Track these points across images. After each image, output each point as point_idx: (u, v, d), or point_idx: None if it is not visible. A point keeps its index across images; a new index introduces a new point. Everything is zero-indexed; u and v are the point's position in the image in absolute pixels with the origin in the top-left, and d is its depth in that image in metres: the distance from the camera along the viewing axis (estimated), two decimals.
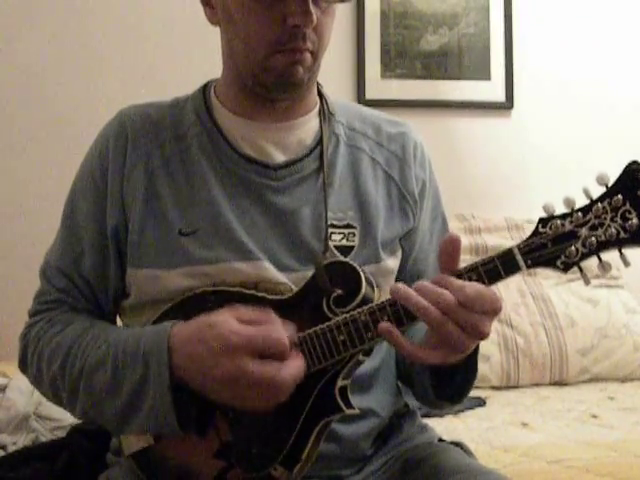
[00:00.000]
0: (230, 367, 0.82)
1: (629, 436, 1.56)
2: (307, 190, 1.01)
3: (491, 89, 2.52)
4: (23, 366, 1.03)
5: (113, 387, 0.90)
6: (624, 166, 0.78)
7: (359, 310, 0.86)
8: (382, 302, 0.85)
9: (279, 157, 1.01)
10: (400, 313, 0.83)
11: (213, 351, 0.83)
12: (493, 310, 0.79)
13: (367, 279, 0.89)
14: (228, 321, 0.84)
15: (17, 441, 1.51)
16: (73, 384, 0.94)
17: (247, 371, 0.82)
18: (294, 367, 0.84)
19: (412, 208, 1.06)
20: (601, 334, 2.11)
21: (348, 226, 1.00)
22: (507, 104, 2.53)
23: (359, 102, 2.41)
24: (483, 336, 0.80)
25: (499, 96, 2.52)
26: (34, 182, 2.25)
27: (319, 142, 1.04)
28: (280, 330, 0.84)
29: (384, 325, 0.82)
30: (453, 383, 0.93)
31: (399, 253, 1.06)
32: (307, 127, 1.04)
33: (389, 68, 2.47)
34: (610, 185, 0.78)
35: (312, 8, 0.91)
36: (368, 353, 0.91)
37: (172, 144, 1.01)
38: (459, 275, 0.82)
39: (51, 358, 0.96)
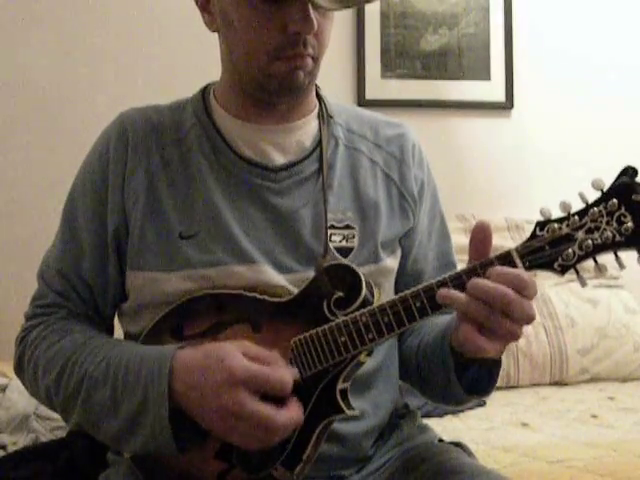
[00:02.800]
0: (229, 400, 0.82)
1: (629, 436, 1.56)
2: (307, 192, 1.01)
3: (491, 89, 2.52)
4: (19, 370, 1.03)
5: (111, 409, 0.89)
6: (619, 171, 0.80)
7: (360, 312, 0.86)
8: (382, 303, 0.85)
9: (279, 159, 1.02)
10: (401, 314, 0.84)
11: (215, 382, 0.82)
12: (535, 293, 0.80)
13: (367, 282, 0.89)
14: (235, 355, 0.84)
15: (17, 441, 1.51)
16: (68, 398, 0.93)
17: (245, 407, 0.81)
18: (293, 413, 0.84)
19: (412, 208, 1.07)
20: (601, 334, 2.12)
21: (347, 227, 1.01)
22: (507, 104, 2.53)
23: (359, 102, 2.42)
24: (530, 320, 0.81)
25: (499, 96, 2.52)
26: (35, 182, 2.24)
27: (318, 144, 1.04)
28: (284, 371, 0.84)
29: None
30: (482, 375, 0.94)
31: (398, 252, 1.07)
32: (306, 129, 1.04)
33: (389, 68, 2.47)
34: (605, 190, 0.80)
35: (312, 14, 0.91)
36: (369, 354, 0.91)
37: (172, 147, 1.01)
38: (457, 277, 0.82)
39: (46, 369, 0.95)
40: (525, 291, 0.79)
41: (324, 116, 1.06)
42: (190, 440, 0.89)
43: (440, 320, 1.02)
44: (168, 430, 0.86)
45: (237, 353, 0.84)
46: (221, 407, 0.82)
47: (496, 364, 0.92)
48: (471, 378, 0.94)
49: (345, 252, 0.99)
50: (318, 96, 1.08)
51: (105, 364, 0.91)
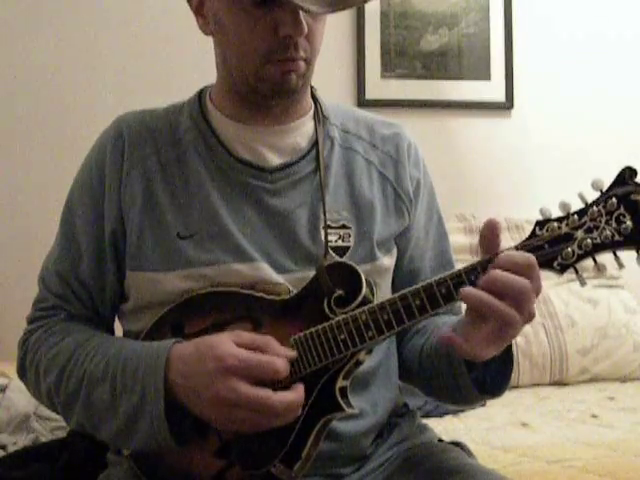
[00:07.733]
0: (222, 388, 0.83)
1: (629, 436, 1.56)
2: (303, 192, 1.02)
3: (491, 89, 2.52)
4: (22, 373, 1.03)
5: (110, 407, 0.90)
6: (618, 171, 0.80)
7: (360, 310, 0.86)
8: (382, 302, 0.85)
9: (274, 160, 1.02)
10: (401, 312, 0.84)
11: (208, 371, 0.84)
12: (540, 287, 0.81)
13: (367, 280, 0.90)
14: (227, 343, 0.85)
15: (17, 441, 1.51)
16: (68, 398, 0.94)
17: (238, 393, 0.82)
18: (290, 395, 0.84)
19: (407, 207, 1.07)
20: (601, 334, 2.12)
21: (343, 227, 1.01)
22: (507, 104, 2.53)
23: (359, 102, 2.42)
24: (532, 318, 0.81)
25: (499, 96, 2.52)
26: (35, 184, 2.24)
27: (314, 145, 1.04)
28: (276, 356, 0.85)
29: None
30: (492, 372, 0.94)
31: (394, 251, 1.07)
32: (302, 130, 1.05)
33: (389, 68, 2.47)
34: (605, 189, 0.80)
35: (303, 17, 0.91)
36: (369, 353, 0.91)
37: (169, 149, 1.02)
38: (457, 276, 0.82)
39: (48, 370, 0.96)
40: (536, 280, 0.79)
41: (319, 117, 1.07)
42: (189, 434, 0.89)
43: (445, 320, 1.02)
44: (164, 423, 0.86)
45: (228, 341, 0.85)
46: (215, 396, 0.83)
47: (508, 364, 0.92)
48: (482, 378, 0.94)
49: (341, 251, 1.00)
50: (313, 97, 1.09)
51: (104, 363, 0.92)
